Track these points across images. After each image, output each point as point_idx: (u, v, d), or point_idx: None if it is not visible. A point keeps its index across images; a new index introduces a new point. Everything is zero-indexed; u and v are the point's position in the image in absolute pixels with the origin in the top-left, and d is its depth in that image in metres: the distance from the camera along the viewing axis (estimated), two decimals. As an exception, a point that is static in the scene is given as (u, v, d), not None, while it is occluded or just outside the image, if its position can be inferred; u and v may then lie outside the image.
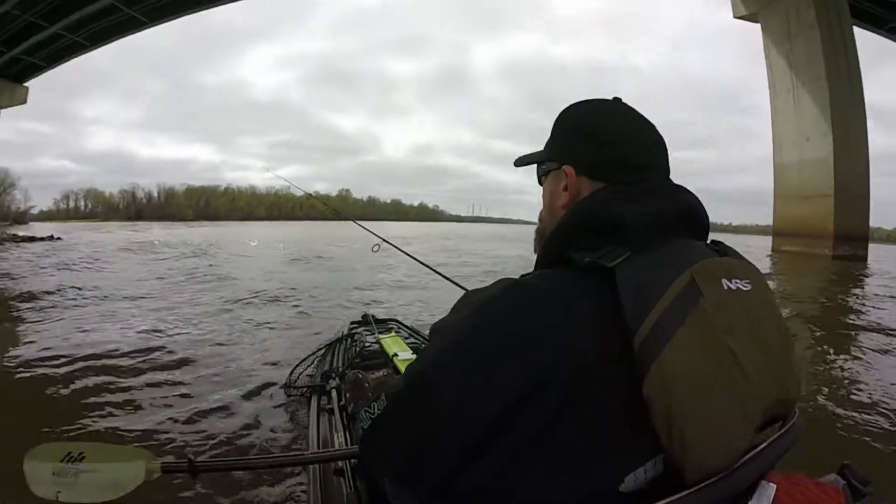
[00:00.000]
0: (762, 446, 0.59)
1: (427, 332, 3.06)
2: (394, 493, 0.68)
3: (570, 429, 0.56)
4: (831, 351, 4.68)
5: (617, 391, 0.57)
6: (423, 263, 2.65)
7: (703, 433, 0.54)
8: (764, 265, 15.45)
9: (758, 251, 19.31)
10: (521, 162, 0.89)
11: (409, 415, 0.66)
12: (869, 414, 3.13)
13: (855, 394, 3.50)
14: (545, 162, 0.82)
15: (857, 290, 10.20)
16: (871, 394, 3.51)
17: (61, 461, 1.00)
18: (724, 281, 0.60)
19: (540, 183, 0.85)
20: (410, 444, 0.64)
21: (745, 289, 0.61)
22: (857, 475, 0.65)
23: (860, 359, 4.46)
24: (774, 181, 23.09)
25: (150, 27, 25.20)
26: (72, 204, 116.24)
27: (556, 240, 0.71)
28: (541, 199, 0.85)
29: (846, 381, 3.76)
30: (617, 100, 0.80)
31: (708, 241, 0.70)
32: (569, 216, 0.71)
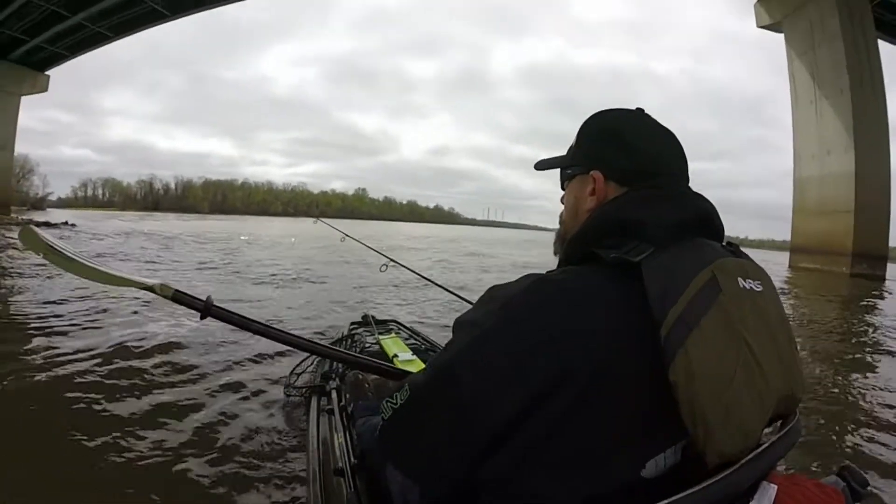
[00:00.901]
0: (764, 446, 0.60)
1: (427, 333, 3.16)
2: (399, 489, 0.69)
3: (594, 419, 0.58)
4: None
5: (640, 381, 0.59)
6: (427, 279, 2.83)
7: (725, 418, 0.56)
8: (782, 279, 15.16)
9: (776, 268, 19.02)
10: (544, 166, 0.92)
11: (431, 407, 0.66)
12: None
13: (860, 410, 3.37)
14: (571, 167, 0.85)
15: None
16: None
17: (59, 249, 1.00)
18: (740, 279, 0.63)
19: (562, 187, 0.87)
20: (432, 436, 0.65)
21: (757, 289, 0.64)
22: (857, 476, 0.65)
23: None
24: (794, 195, 22.77)
25: (171, 20, 25.50)
26: (90, 192, 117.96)
27: (582, 238, 0.74)
28: (560, 203, 0.88)
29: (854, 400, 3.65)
30: (640, 110, 0.83)
31: (723, 244, 0.71)
32: (596, 218, 0.74)
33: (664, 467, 0.61)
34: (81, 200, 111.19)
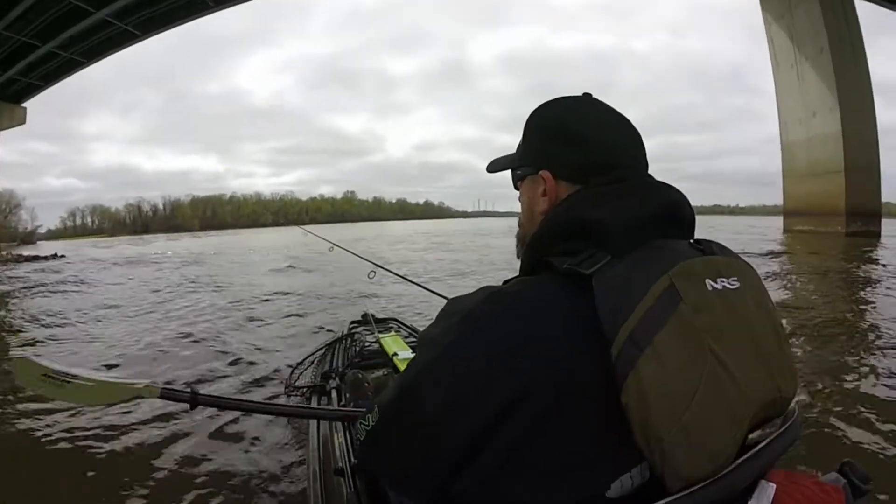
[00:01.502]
0: (761, 445, 0.58)
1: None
2: (395, 498, 0.70)
3: (554, 437, 0.56)
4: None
5: (599, 400, 0.56)
6: (412, 281, 2.87)
7: (683, 443, 0.53)
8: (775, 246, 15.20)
9: (771, 233, 19.08)
10: (494, 168, 0.87)
11: (398, 427, 0.65)
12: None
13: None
14: (520, 167, 0.80)
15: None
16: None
17: (55, 371, 1.03)
18: (708, 281, 0.59)
19: (516, 187, 0.83)
20: (402, 456, 0.64)
21: (732, 287, 0.60)
22: (858, 473, 0.62)
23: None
24: (782, 160, 22.79)
25: (144, 39, 25.16)
26: (78, 221, 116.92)
27: (536, 246, 0.70)
28: (519, 204, 0.83)
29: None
30: (587, 95, 0.78)
31: (692, 240, 0.66)
32: (548, 222, 0.70)
33: (630, 487, 0.58)
34: (71, 230, 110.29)
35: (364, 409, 1.24)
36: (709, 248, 0.64)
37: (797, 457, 2.23)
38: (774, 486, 0.56)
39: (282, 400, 2.83)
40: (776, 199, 24.12)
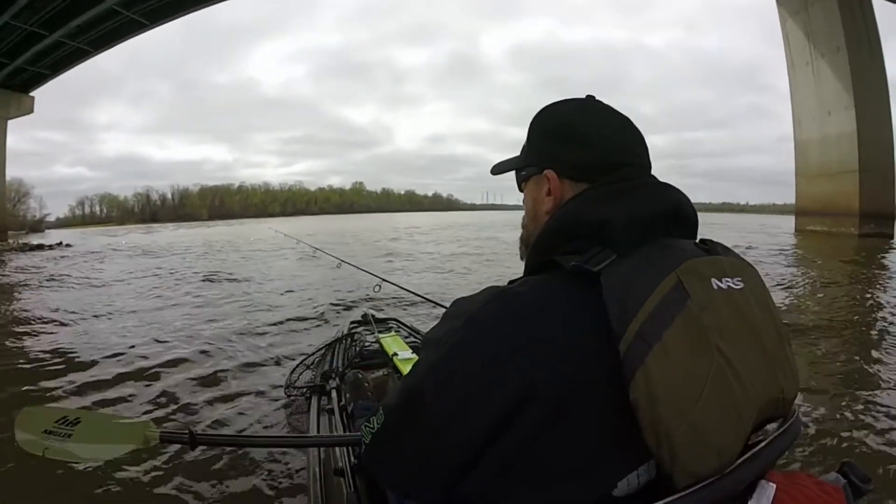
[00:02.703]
0: (761, 445, 0.59)
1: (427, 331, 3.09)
2: (397, 500, 0.71)
3: (558, 439, 0.57)
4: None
5: (605, 399, 0.57)
6: (417, 294, 2.98)
7: (692, 439, 0.54)
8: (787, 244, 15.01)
9: (782, 233, 18.86)
10: (499, 170, 0.87)
11: (405, 430, 0.65)
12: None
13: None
14: (525, 168, 0.80)
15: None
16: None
17: (55, 422, 1.01)
18: (714, 280, 0.60)
19: (520, 189, 0.83)
20: (409, 459, 0.64)
21: (736, 287, 0.61)
22: (858, 473, 0.64)
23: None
24: (796, 159, 22.44)
25: (152, 28, 25.08)
26: (87, 210, 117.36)
27: (542, 245, 0.71)
28: (523, 205, 0.83)
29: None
30: (591, 97, 0.78)
31: (697, 240, 0.68)
32: (554, 221, 0.70)
33: (637, 485, 0.58)
34: (80, 219, 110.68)
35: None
36: (713, 249, 0.65)
37: (797, 457, 2.22)
38: (774, 485, 0.56)
39: (281, 411, 2.87)
40: (787, 197, 23.95)
